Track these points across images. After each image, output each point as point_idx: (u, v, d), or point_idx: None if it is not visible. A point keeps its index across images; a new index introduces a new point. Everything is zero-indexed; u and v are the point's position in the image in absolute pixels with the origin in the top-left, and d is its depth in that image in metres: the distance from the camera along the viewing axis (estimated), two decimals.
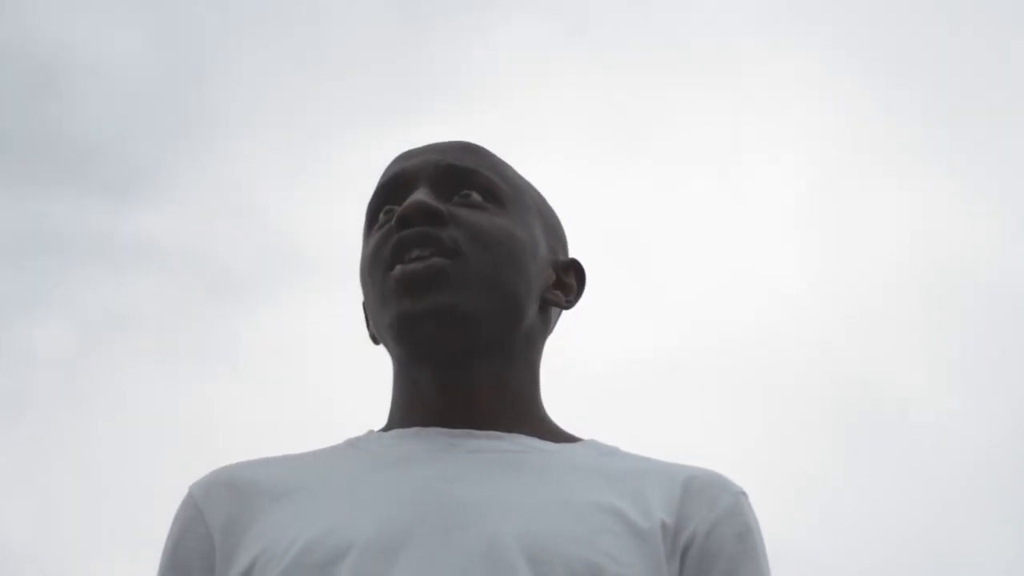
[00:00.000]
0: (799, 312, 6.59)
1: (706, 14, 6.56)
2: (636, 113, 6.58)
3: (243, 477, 1.61)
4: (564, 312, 1.76)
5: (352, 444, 1.66)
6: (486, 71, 6.66)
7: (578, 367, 5.70)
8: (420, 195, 1.63)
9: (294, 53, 6.71)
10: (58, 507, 6.10)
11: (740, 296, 6.56)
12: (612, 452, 1.65)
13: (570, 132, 6.54)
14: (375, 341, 1.71)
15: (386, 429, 1.67)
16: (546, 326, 1.71)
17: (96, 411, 6.34)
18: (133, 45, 6.69)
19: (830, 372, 6.44)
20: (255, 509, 1.58)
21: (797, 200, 6.72)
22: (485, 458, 1.59)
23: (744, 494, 1.62)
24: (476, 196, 1.67)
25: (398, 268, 1.60)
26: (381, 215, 1.68)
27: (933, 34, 6.56)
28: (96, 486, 6.05)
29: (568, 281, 1.74)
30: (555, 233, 1.75)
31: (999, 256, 6.52)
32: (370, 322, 1.72)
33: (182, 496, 1.65)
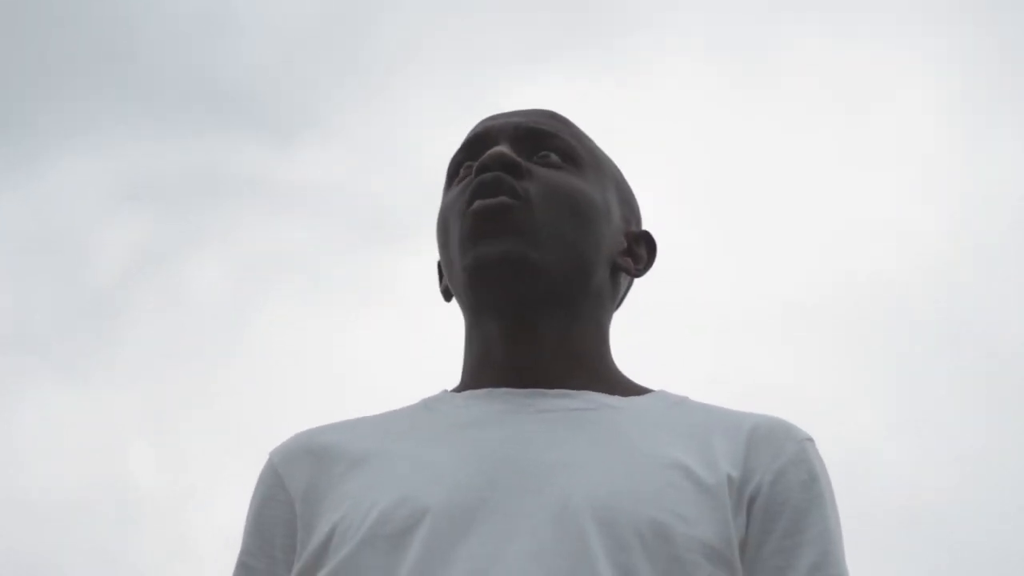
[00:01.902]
0: (924, 253, 6.48)
1: None
2: (763, 56, 6.50)
3: (320, 443, 1.64)
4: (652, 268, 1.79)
5: (426, 405, 1.69)
6: (638, 13, 6.60)
7: (704, 310, 5.64)
8: (500, 147, 1.68)
9: None
10: (208, 445, 6.18)
11: (864, 239, 6.47)
12: (681, 403, 1.67)
13: (699, 79, 6.48)
14: (447, 297, 1.75)
15: (459, 389, 1.70)
16: (616, 291, 1.74)
17: (253, 351, 6.40)
18: None
19: (955, 313, 6.32)
20: (333, 476, 1.61)
21: (922, 140, 6.60)
22: (555, 417, 1.61)
23: (810, 440, 1.63)
24: (554, 157, 1.71)
25: (475, 203, 1.64)
26: (461, 171, 1.73)
27: None
28: (250, 426, 6.11)
29: (639, 251, 1.76)
30: (629, 205, 1.79)
31: None
32: (443, 276, 1.75)
33: (263, 462, 1.69)
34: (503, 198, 1.63)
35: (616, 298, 1.74)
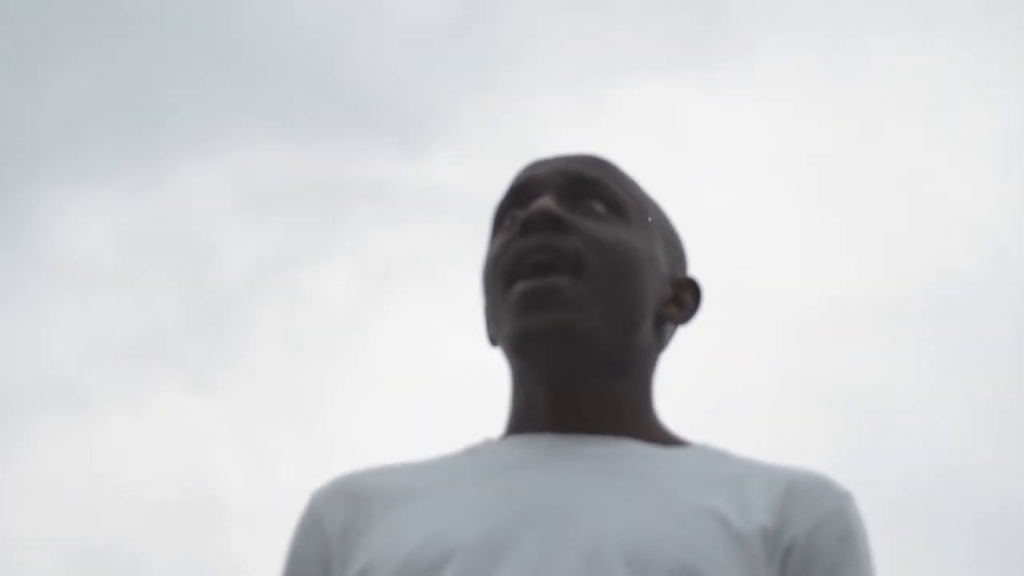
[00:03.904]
0: (1008, 253, 6.37)
1: None
2: (851, 46, 6.43)
3: (361, 484, 1.67)
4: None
5: (468, 451, 1.70)
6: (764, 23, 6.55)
7: (781, 301, 5.58)
8: (545, 202, 1.66)
9: None
10: (333, 449, 6.21)
11: (945, 233, 6.37)
12: (720, 456, 1.67)
13: (792, 69, 6.43)
14: (493, 343, 1.76)
15: (503, 437, 1.71)
16: (660, 341, 1.73)
17: (376, 356, 6.43)
18: None
19: None
20: (370, 515, 1.63)
21: (1012, 137, 6.48)
22: (591, 463, 1.62)
23: (848, 496, 1.62)
24: (600, 207, 1.70)
25: (519, 285, 1.63)
26: (507, 220, 1.72)
27: None
28: (371, 430, 6.14)
29: (684, 298, 1.75)
30: (675, 251, 1.78)
31: None
32: (489, 325, 1.76)
33: (305, 503, 1.72)
34: (552, 280, 1.62)
35: (661, 347, 1.74)
